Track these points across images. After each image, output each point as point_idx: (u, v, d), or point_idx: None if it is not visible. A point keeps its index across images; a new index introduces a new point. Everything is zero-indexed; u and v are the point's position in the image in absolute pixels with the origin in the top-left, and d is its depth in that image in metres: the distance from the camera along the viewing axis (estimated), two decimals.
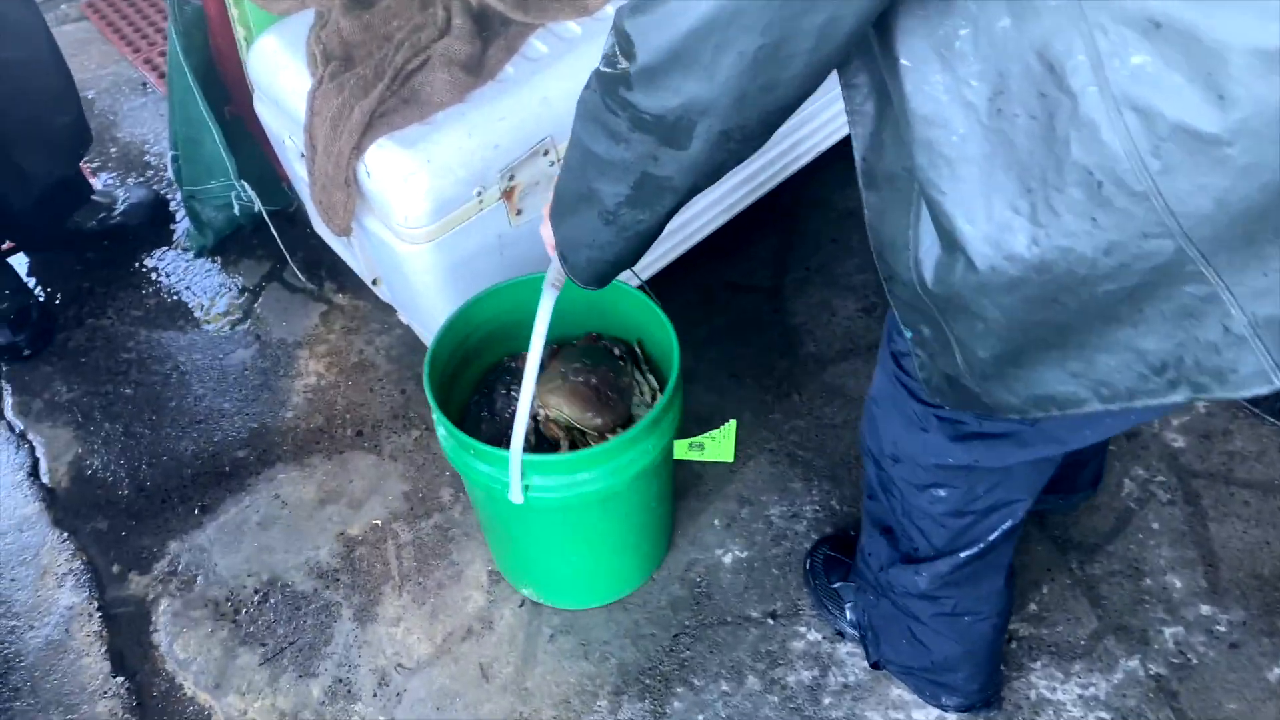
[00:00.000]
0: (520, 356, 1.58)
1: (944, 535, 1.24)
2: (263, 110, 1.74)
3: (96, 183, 2.32)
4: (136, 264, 2.20)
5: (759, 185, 2.09)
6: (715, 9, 0.72)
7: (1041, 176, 0.74)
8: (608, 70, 0.83)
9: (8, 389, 2.00)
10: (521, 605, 1.66)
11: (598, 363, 1.48)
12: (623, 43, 0.79)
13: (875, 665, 1.54)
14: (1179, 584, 1.62)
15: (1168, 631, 1.58)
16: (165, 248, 2.23)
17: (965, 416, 1.09)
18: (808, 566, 1.65)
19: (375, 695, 1.59)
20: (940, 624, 1.35)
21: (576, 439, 1.45)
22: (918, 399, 1.13)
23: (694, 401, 1.87)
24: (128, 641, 1.67)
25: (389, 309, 2.00)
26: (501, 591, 1.68)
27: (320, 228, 1.92)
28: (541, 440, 1.47)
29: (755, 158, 2.00)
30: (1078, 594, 1.62)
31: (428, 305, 1.67)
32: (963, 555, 1.25)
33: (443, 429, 1.38)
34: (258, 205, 1.97)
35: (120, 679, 1.63)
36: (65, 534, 1.79)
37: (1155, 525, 1.69)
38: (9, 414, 1.96)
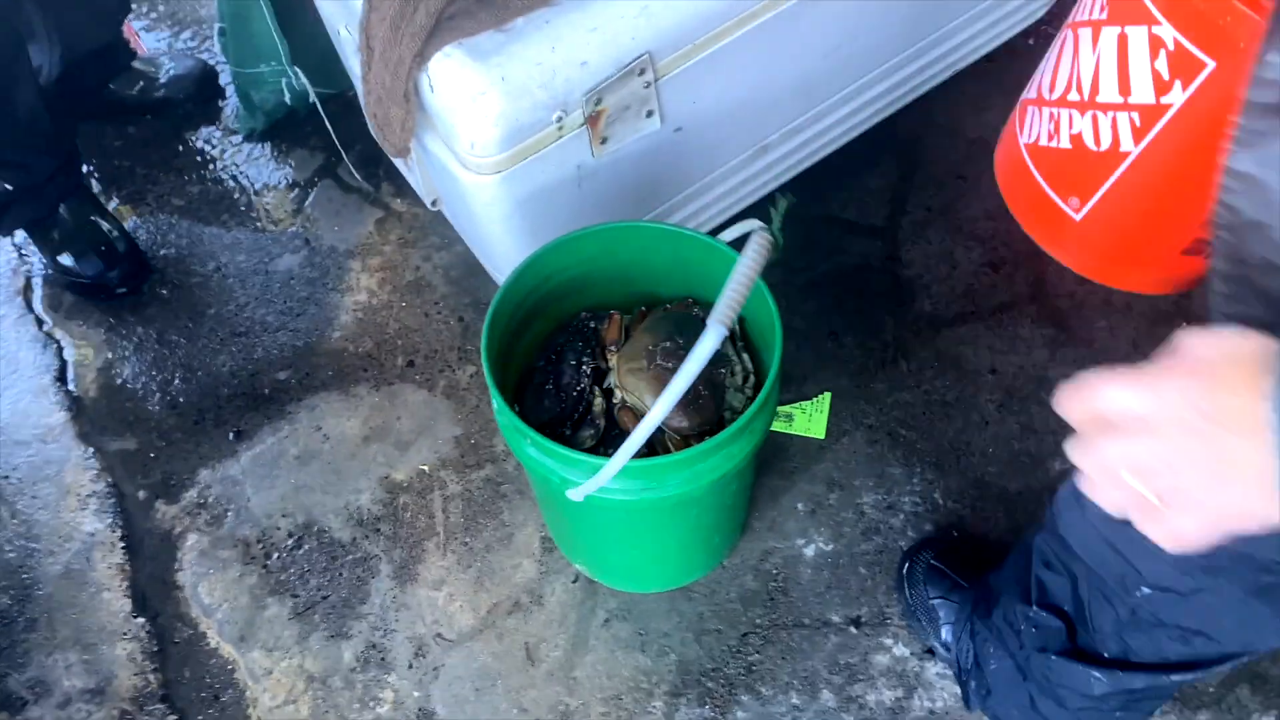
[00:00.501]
0: (601, 315, 1.36)
1: (1161, 650, 0.96)
2: None
3: (142, 46, 2.09)
4: (179, 144, 2.00)
5: (881, 108, 1.80)
6: None
7: None
8: None
9: (37, 281, 1.84)
10: (575, 581, 1.50)
11: (693, 341, 1.25)
12: None
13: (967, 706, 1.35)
14: None
15: None
16: (212, 127, 2.02)
17: None
18: (904, 571, 1.45)
19: (411, 667, 1.45)
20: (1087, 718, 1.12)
21: (656, 436, 1.24)
22: None
23: (785, 361, 1.64)
24: (151, 579, 1.54)
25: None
26: (554, 562, 1.51)
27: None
28: (610, 425, 1.27)
29: (883, 76, 1.71)
30: None
31: (493, 242, 1.45)
32: (1174, 679, 0.97)
33: (499, 406, 1.18)
34: (312, 95, 1.74)
35: (141, 620, 1.51)
36: (91, 450, 1.65)
37: None
38: (38, 307, 1.81)
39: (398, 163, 1.65)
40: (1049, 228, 1.67)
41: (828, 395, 1.62)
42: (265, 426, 1.66)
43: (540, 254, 1.26)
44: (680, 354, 1.24)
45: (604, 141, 1.36)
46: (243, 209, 1.90)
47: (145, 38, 2.14)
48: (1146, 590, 0.91)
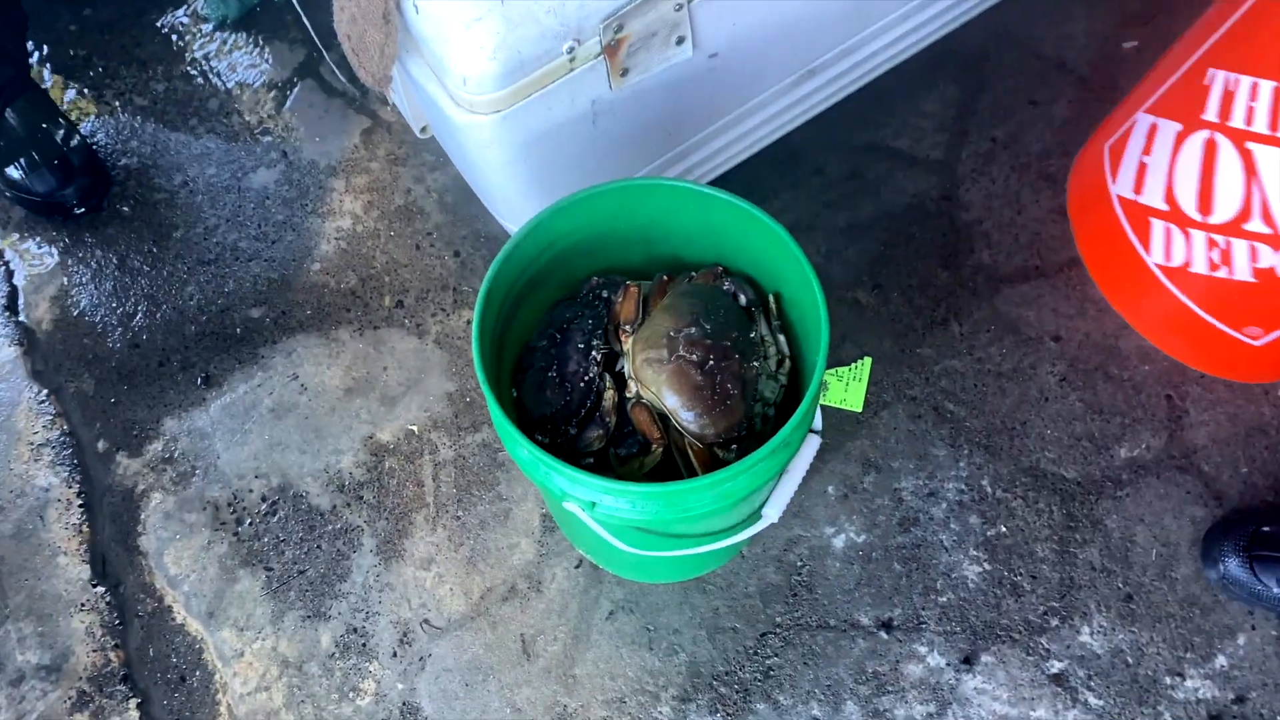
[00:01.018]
0: (615, 283, 1.16)
1: None
2: None
3: None
4: (142, 31, 1.75)
5: (947, 21, 1.55)
6: None
7: None
8: None
9: None
10: (578, 566, 1.35)
11: (722, 326, 1.06)
12: None
13: None
14: None
15: None
16: (180, 11, 1.77)
17: None
18: (1230, 566, 1.27)
19: (395, 655, 1.32)
20: None
21: (673, 435, 1.06)
22: None
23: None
24: (112, 542, 1.40)
25: None
26: (555, 543, 1.36)
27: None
28: (622, 420, 1.09)
29: None
30: None
31: (492, 187, 1.25)
32: None
33: (494, 409, 1.00)
34: None
35: (101, 589, 1.37)
36: (45, 391, 1.49)
37: None
38: None
39: None
40: (1203, 349, 1.40)
41: (868, 361, 1.44)
42: (237, 371, 1.48)
43: (543, 218, 1.06)
44: (706, 342, 1.05)
45: (624, 74, 1.14)
46: (213, 112, 1.68)
47: None
48: None
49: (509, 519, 1.38)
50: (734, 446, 1.05)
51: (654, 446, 1.05)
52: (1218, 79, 1.15)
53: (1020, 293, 1.48)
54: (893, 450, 1.40)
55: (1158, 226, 1.31)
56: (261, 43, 1.73)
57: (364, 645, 1.32)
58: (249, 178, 1.62)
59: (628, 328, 1.11)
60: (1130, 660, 1.28)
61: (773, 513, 1.09)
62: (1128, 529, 1.34)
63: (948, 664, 1.29)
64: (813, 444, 1.07)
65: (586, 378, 1.08)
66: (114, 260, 1.57)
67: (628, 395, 1.08)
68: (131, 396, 1.48)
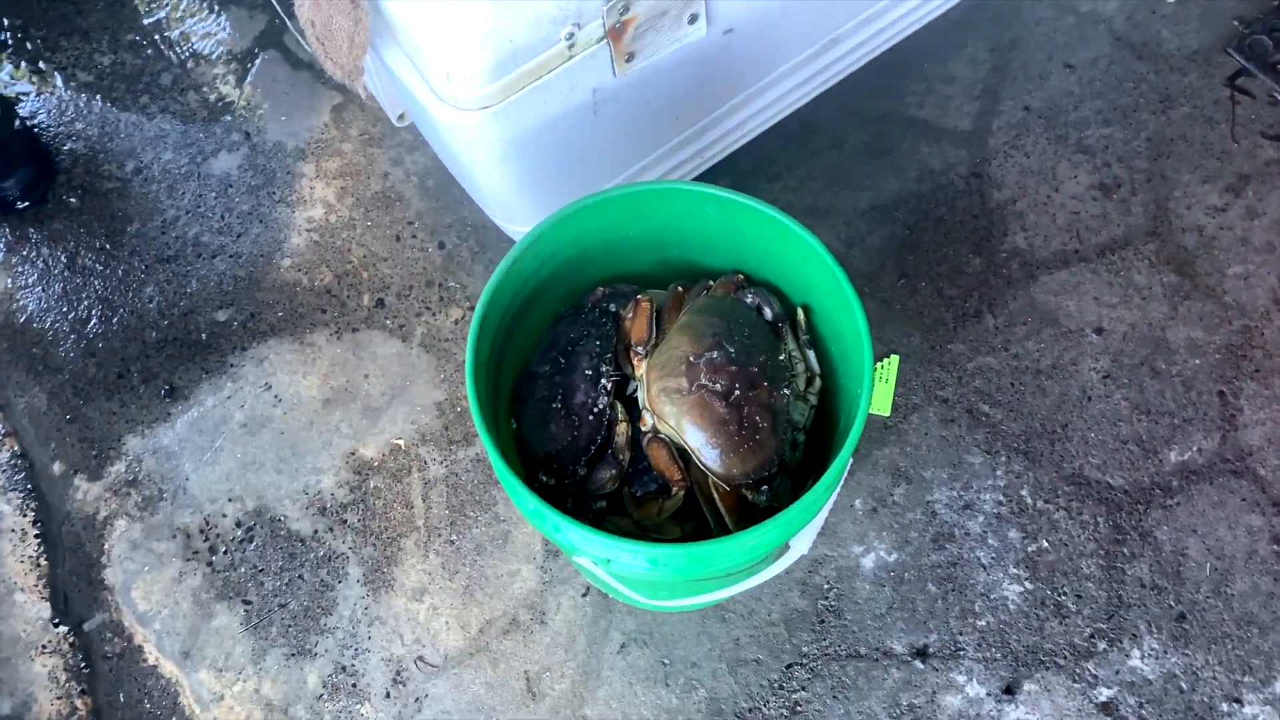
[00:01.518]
0: (623, 294, 1.03)
1: None
2: None
3: None
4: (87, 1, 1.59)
5: None
6: None
7: None
8: None
9: None
10: (585, 595, 1.24)
11: (748, 348, 0.93)
12: None
13: None
14: None
15: None
16: None
17: None
18: None
19: (388, 697, 1.21)
20: None
21: (695, 473, 0.94)
22: None
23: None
24: (73, 576, 1.28)
25: None
26: (559, 569, 1.25)
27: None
28: (636, 455, 0.97)
29: None
30: None
31: (481, 186, 1.11)
32: None
33: (496, 462, 0.88)
34: None
35: (63, 629, 1.26)
36: None
37: None
38: None
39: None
40: None
41: (895, 360, 1.32)
42: (204, 382, 1.35)
43: (543, 230, 0.93)
44: (731, 369, 0.93)
45: (630, 59, 1.00)
46: (166, 88, 1.52)
47: None
48: None
49: (508, 542, 1.26)
50: (765, 487, 0.93)
51: (674, 490, 0.93)
52: None
53: (1059, 280, 1.36)
54: (924, 458, 1.28)
55: None
56: (218, 8, 1.56)
57: (354, 686, 1.22)
58: (209, 163, 1.47)
59: (640, 350, 0.98)
60: (1184, 686, 1.18)
61: (802, 545, 0.98)
62: (1179, 541, 1.23)
63: (988, 694, 1.19)
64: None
65: (596, 409, 0.96)
66: (62, 259, 1.42)
67: (643, 429, 0.96)
68: (89, 412, 1.35)
